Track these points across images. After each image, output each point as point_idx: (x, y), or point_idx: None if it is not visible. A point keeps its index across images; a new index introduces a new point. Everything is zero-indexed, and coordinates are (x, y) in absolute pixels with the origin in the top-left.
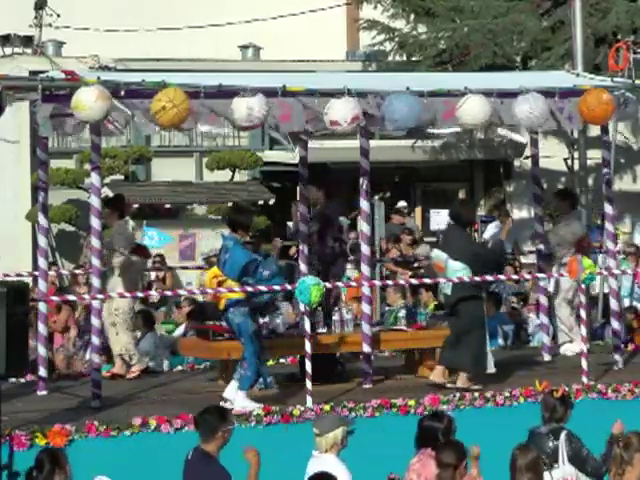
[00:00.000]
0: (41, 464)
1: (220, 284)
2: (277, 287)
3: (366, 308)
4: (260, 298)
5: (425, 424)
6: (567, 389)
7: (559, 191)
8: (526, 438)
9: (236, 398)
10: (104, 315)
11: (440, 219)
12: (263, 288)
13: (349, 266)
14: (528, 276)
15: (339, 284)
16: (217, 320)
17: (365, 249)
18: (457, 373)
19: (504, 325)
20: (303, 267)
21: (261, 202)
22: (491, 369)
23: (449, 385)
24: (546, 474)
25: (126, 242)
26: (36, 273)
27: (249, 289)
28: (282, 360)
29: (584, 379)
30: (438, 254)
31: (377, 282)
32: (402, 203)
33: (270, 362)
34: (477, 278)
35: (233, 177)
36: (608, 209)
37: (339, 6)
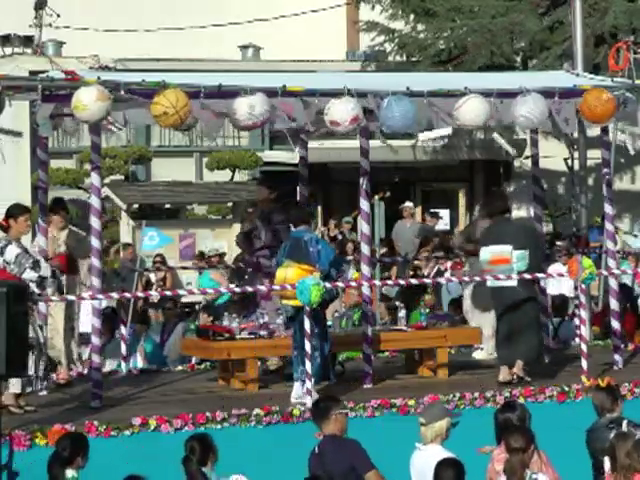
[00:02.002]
0: (192, 450)
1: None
2: (277, 287)
3: (366, 308)
4: (331, 292)
5: (501, 416)
6: (613, 378)
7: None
8: (586, 439)
9: (294, 390)
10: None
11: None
12: (263, 288)
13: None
14: (528, 276)
15: (339, 284)
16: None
17: (365, 249)
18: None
19: None
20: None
21: None
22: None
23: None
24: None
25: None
26: None
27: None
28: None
29: (584, 379)
30: (497, 249)
31: (377, 282)
32: (408, 204)
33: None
34: (477, 278)
35: (233, 177)
36: (608, 209)
37: (339, 6)
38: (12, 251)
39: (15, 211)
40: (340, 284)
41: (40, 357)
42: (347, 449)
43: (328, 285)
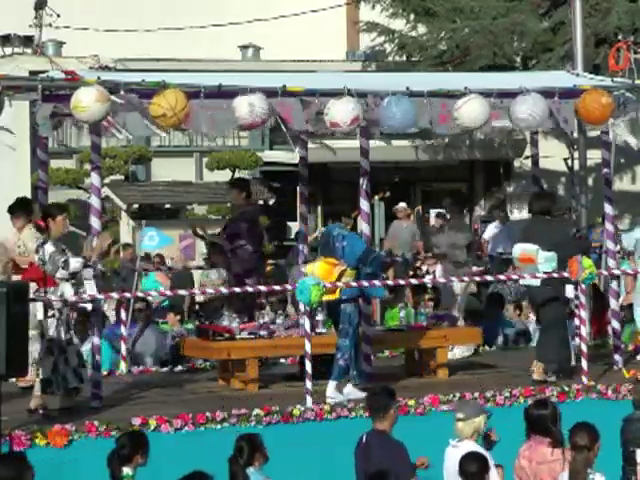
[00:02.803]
0: (241, 450)
1: (342, 273)
2: (277, 287)
3: (366, 308)
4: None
5: (532, 413)
6: None
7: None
8: (620, 428)
9: (328, 388)
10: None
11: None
12: (263, 288)
13: None
14: (528, 276)
15: (339, 284)
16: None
17: None
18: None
19: (505, 327)
20: (303, 267)
21: (261, 202)
22: (572, 361)
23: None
24: None
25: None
26: None
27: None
28: (282, 360)
29: (584, 379)
30: (526, 247)
31: (377, 282)
32: (402, 204)
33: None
34: (477, 278)
35: (233, 177)
36: (608, 209)
37: (339, 6)
38: (47, 250)
39: (53, 211)
40: (340, 284)
41: (59, 358)
42: (394, 450)
43: (377, 282)
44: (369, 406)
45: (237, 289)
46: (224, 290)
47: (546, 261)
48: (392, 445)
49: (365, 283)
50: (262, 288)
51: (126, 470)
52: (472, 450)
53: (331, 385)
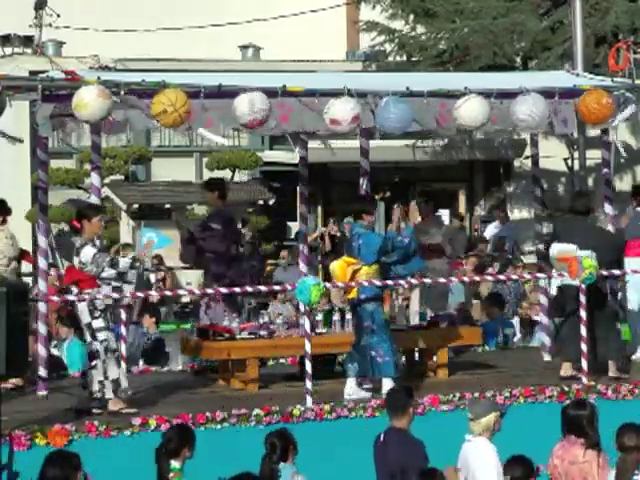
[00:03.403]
0: (273, 447)
1: (356, 272)
2: (277, 287)
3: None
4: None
5: (570, 412)
6: None
7: None
8: None
9: (383, 387)
10: None
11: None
12: (264, 288)
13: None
14: (528, 276)
15: (339, 284)
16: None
17: None
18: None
19: (505, 327)
20: (303, 267)
21: (261, 202)
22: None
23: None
24: None
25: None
26: (36, 273)
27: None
28: (282, 360)
29: (584, 379)
30: (565, 247)
31: (377, 282)
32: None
33: (270, 362)
34: (476, 278)
35: (233, 177)
36: (608, 209)
37: (339, 6)
38: (89, 252)
39: (89, 212)
40: (340, 284)
41: (106, 360)
42: (412, 448)
43: (377, 283)
44: (387, 404)
45: (237, 289)
46: (224, 290)
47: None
48: (410, 442)
49: (377, 282)
50: (262, 288)
51: (174, 464)
52: (518, 454)
53: (386, 383)
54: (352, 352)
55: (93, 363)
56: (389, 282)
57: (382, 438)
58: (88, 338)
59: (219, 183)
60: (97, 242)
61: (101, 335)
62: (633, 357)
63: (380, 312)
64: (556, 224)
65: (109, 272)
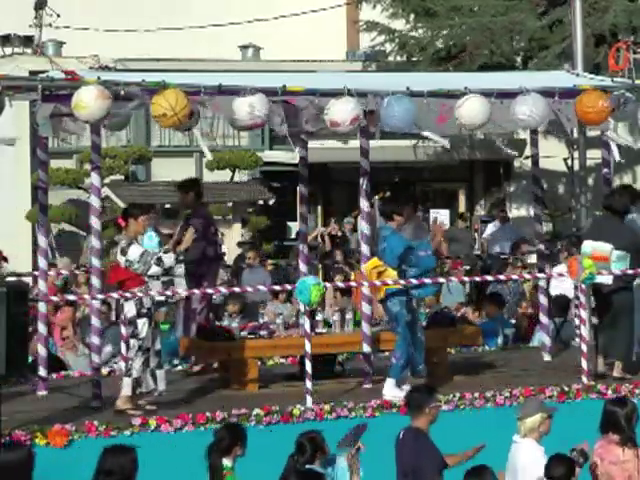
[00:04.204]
0: (302, 448)
1: (380, 274)
2: (277, 287)
3: (366, 308)
4: (420, 291)
5: (608, 409)
6: None
7: None
8: None
9: (385, 386)
10: None
11: (440, 219)
12: (263, 288)
13: None
14: (528, 276)
15: (339, 284)
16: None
17: (365, 249)
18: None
19: (505, 328)
20: (303, 267)
21: (261, 202)
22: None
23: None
24: None
25: None
26: (36, 273)
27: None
28: (282, 360)
29: (584, 379)
30: (598, 245)
31: (377, 282)
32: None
33: (270, 362)
34: (477, 278)
35: (233, 177)
36: None
37: (339, 6)
38: (136, 250)
39: (135, 211)
40: (340, 284)
41: (147, 356)
42: (424, 449)
43: (377, 283)
44: (406, 403)
45: (237, 289)
46: (223, 290)
47: (618, 260)
48: (423, 444)
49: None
50: (262, 288)
51: (226, 462)
52: (559, 453)
53: (389, 383)
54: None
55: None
56: (401, 282)
57: (401, 436)
58: (126, 333)
59: (194, 184)
60: (140, 240)
61: (142, 333)
62: None
63: (404, 314)
64: (593, 222)
65: (155, 269)
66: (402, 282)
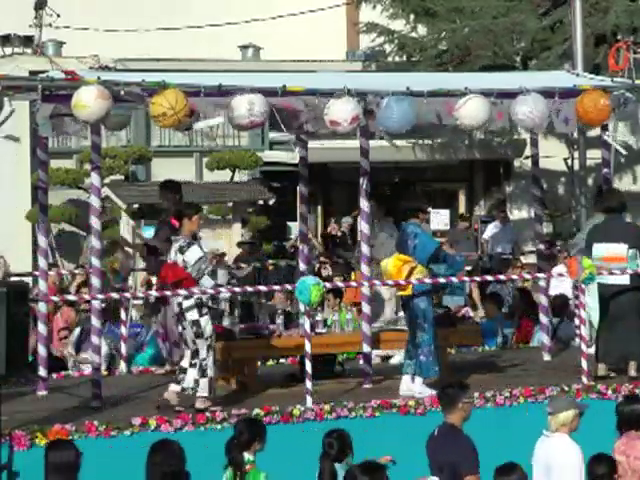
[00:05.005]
0: (331, 445)
1: (412, 270)
2: (277, 287)
3: (366, 308)
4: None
5: (623, 409)
6: None
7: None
8: None
9: (415, 384)
10: None
11: (440, 219)
12: (263, 288)
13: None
14: (528, 276)
15: (339, 284)
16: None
17: (365, 249)
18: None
19: (504, 328)
20: (302, 267)
21: (261, 202)
22: None
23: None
24: None
25: None
26: (36, 273)
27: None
28: (282, 360)
29: (584, 379)
30: (612, 246)
31: (377, 282)
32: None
33: (270, 362)
34: (477, 278)
35: (233, 177)
36: None
37: (338, 6)
38: (195, 253)
39: (189, 210)
40: (340, 284)
41: (206, 358)
42: (459, 444)
43: (442, 280)
44: (439, 399)
45: (237, 289)
46: (224, 291)
47: (631, 259)
48: (458, 439)
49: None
50: (262, 288)
51: (247, 456)
52: (601, 452)
53: (417, 381)
54: (409, 349)
55: (194, 361)
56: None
57: (435, 433)
58: (192, 335)
59: (178, 184)
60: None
61: (207, 332)
62: None
63: (430, 310)
64: (595, 225)
65: (208, 282)
66: (377, 282)
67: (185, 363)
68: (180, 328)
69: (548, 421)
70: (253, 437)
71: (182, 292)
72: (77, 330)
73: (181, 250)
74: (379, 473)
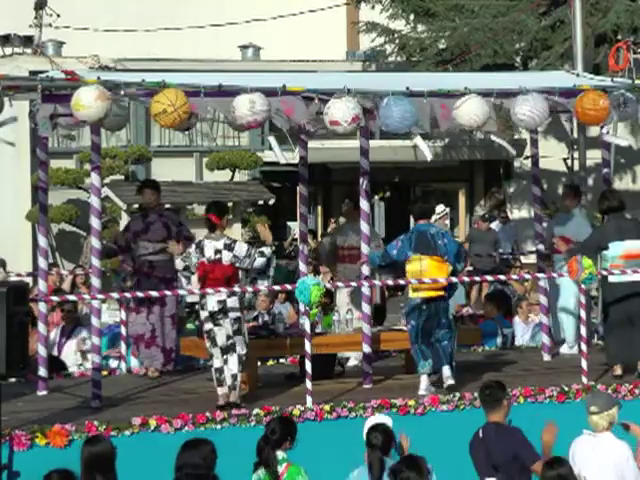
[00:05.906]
0: (376, 439)
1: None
2: (277, 287)
3: (366, 308)
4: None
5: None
6: None
7: None
8: None
9: (444, 371)
10: None
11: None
12: (264, 288)
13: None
14: (528, 276)
15: (339, 284)
16: None
17: (365, 249)
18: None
19: (504, 328)
20: (302, 267)
21: (261, 202)
22: None
23: None
24: None
25: None
26: (36, 273)
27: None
28: (282, 360)
29: (584, 379)
30: (628, 244)
31: (377, 282)
32: (441, 207)
33: (270, 362)
34: (477, 278)
35: (233, 177)
36: None
37: (338, 6)
38: (243, 246)
39: (226, 210)
40: (340, 284)
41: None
42: (512, 438)
43: (454, 279)
44: (482, 400)
45: (237, 289)
46: (224, 291)
47: None
48: (509, 432)
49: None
50: (263, 288)
51: (281, 454)
52: (621, 444)
53: (446, 370)
54: (423, 349)
55: (225, 357)
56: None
57: (480, 434)
58: (229, 332)
59: (157, 183)
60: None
61: (244, 328)
62: None
63: (450, 308)
64: (603, 226)
65: (260, 261)
66: (377, 282)
67: (217, 363)
68: (211, 325)
69: (594, 422)
70: (285, 436)
71: (168, 292)
72: (56, 330)
73: (229, 247)
74: (423, 468)
